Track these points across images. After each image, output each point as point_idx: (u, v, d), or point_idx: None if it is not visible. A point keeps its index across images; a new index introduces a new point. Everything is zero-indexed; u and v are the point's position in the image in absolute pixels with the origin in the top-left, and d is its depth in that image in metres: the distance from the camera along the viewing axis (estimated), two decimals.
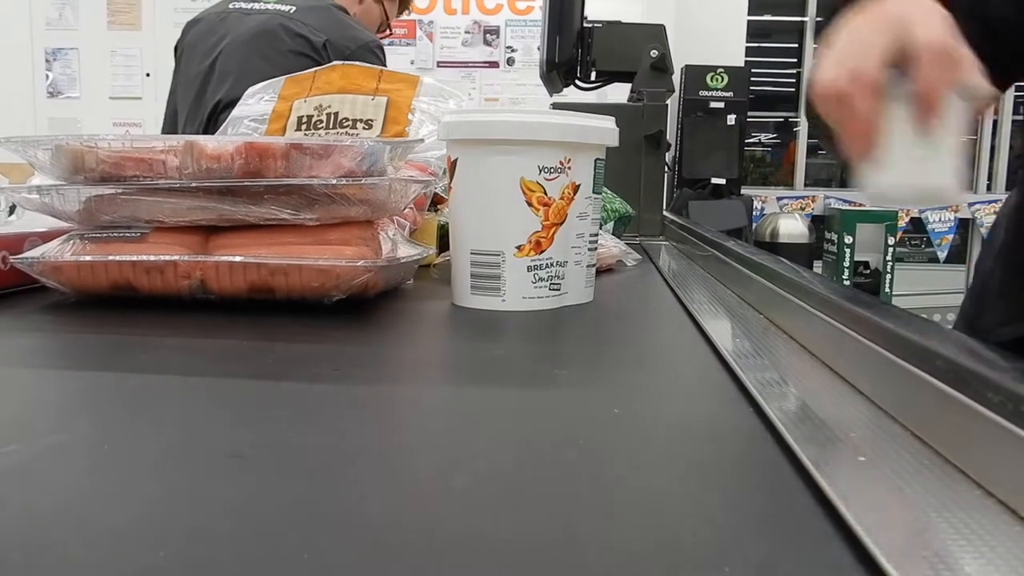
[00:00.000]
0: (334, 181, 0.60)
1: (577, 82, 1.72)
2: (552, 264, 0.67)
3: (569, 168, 0.66)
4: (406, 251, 0.70)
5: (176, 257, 0.61)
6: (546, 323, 0.62)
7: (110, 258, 0.62)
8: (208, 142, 0.62)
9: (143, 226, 0.64)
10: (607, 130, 0.70)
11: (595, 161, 0.70)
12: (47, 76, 4.13)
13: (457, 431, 0.36)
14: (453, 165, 0.67)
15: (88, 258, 0.63)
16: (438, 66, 4.20)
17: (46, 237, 0.69)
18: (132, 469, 0.30)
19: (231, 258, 0.61)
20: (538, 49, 1.75)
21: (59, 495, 0.28)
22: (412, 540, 0.25)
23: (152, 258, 0.61)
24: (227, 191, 0.62)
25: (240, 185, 0.61)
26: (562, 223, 0.67)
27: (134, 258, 0.62)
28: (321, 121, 0.96)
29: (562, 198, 0.66)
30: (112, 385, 0.43)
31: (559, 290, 0.68)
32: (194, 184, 0.61)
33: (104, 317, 0.61)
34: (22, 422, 0.36)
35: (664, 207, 1.61)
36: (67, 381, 0.44)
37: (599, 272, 0.84)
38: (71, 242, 0.65)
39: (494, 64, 4.22)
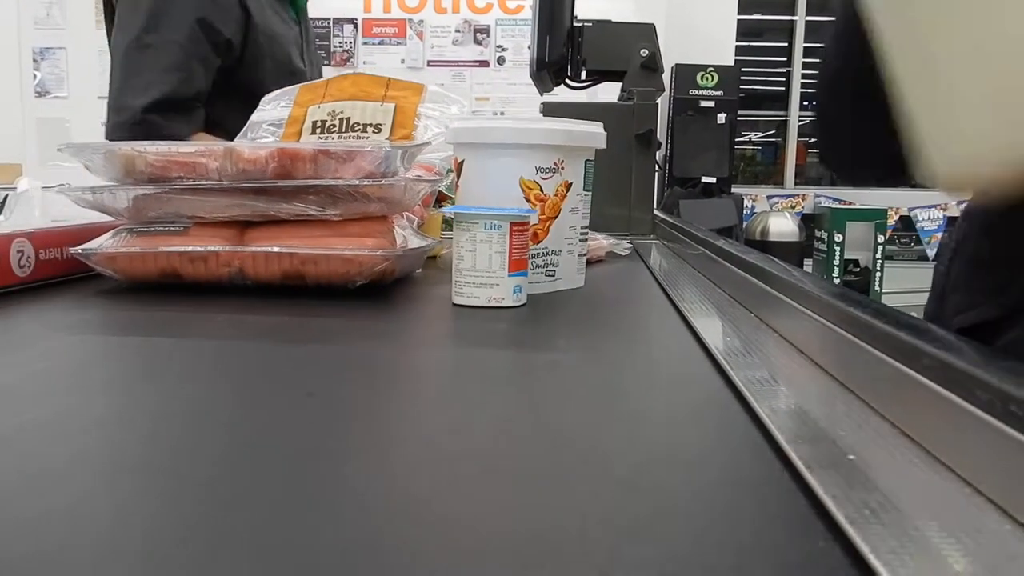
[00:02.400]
0: (356, 181, 0.69)
1: (567, 81, 1.72)
2: (548, 253, 0.76)
3: (562, 168, 0.75)
4: (417, 242, 0.79)
5: (218, 248, 0.70)
6: (542, 304, 0.71)
7: (160, 249, 0.70)
8: (245, 148, 0.70)
9: (185, 221, 0.73)
10: (596, 134, 0.79)
11: (585, 162, 0.79)
12: (35, 76, 4.10)
13: (467, 382, 0.45)
14: (460, 166, 0.76)
15: (138, 249, 0.71)
16: (428, 65, 4.20)
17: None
18: (207, 413, 0.39)
19: (268, 248, 0.69)
20: (528, 48, 1.74)
21: (154, 435, 0.36)
22: (424, 469, 0.33)
23: (198, 248, 0.70)
24: (261, 190, 0.70)
25: (273, 185, 0.69)
26: (556, 217, 0.76)
27: (181, 248, 0.70)
28: (334, 125, 1.04)
29: (556, 195, 0.75)
30: (175, 348, 0.51)
31: (554, 276, 0.77)
32: (232, 185, 0.70)
33: (157, 299, 0.69)
34: (112, 381, 0.45)
35: (655, 206, 1.62)
36: (133, 346, 0.52)
37: (590, 263, 0.92)
38: (121, 235, 0.73)
39: (484, 63, 4.24)
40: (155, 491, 0.28)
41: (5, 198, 1.12)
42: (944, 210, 4.91)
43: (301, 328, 0.59)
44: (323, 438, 0.34)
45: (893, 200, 4.86)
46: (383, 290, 0.73)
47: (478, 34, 4.25)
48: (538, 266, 0.76)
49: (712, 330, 0.58)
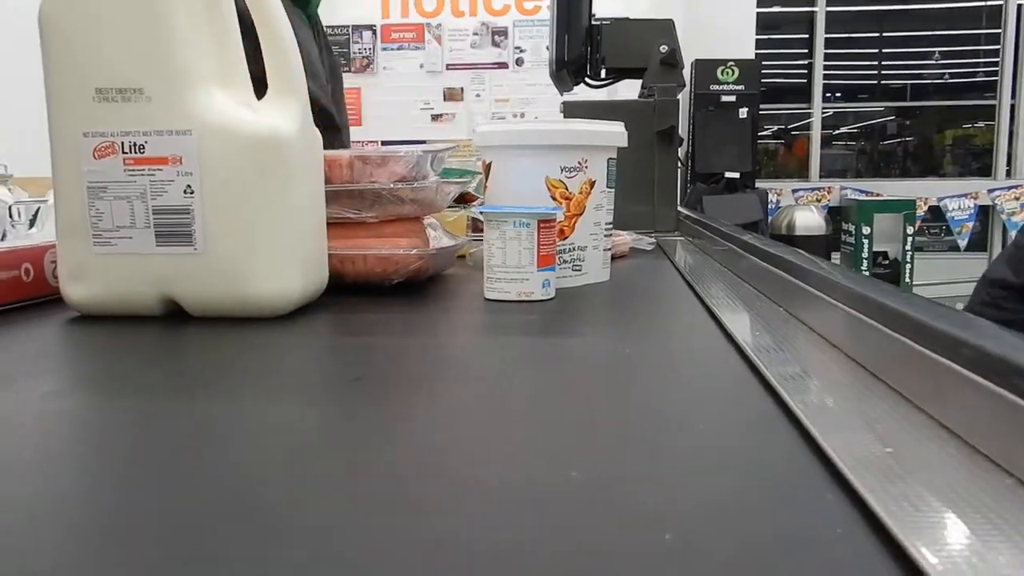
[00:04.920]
0: (391, 185, 0.72)
1: (587, 80, 1.74)
2: (574, 248, 0.79)
3: (586, 167, 0.78)
4: (447, 242, 0.82)
5: None
6: (570, 297, 0.74)
7: None
8: None
9: None
10: (617, 133, 0.82)
11: (608, 160, 0.82)
12: None
13: (500, 362, 0.48)
14: (488, 167, 0.80)
15: None
16: (447, 68, 4.24)
17: None
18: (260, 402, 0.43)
19: None
20: (547, 48, 1.74)
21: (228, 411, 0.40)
22: (468, 436, 0.37)
23: None
24: None
25: None
26: (581, 214, 0.79)
27: None
28: None
29: (581, 192, 0.79)
30: (238, 340, 0.55)
31: (580, 270, 0.80)
32: None
33: None
34: (172, 374, 0.48)
35: (678, 203, 1.62)
36: (187, 340, 0.56)
37: (614, 259, 0.95)
38: None
39: (503, 65, 4.26)
40: (235, 469, 0.32)
41: (37, 210, 1.17)
42: (975, 199, 4.85)
43: (343, 322, 0.63)
44: (371, 416, 0.38)
45: (921, 190, 4.81)
46: (418, 287, 0.76)
47: (496, 36, 4.27)
48: (565, 261, 0.79)
49: (739, 323, 0.59)
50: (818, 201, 4.92)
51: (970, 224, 4.85)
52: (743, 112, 4.19)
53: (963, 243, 4.85)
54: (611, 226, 0.85)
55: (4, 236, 1.11)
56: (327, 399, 0.41)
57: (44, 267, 0.71)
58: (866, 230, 4.35)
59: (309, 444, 0.34)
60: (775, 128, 5.52)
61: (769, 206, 4.45)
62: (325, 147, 0.69)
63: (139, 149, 0.60)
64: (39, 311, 0.67)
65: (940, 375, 0.35)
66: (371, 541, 0.25)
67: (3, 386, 0.45)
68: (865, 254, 4.35)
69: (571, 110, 1.61)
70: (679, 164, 1.62)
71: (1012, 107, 5.05)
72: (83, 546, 0.25)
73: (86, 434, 0.36)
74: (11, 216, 1.15)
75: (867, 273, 4.15)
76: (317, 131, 0.68)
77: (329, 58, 1.67)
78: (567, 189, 0.77)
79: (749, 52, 4.69)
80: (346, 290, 0.74)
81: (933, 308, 0.40)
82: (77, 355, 0.53)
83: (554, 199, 0.77)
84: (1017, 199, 4.85)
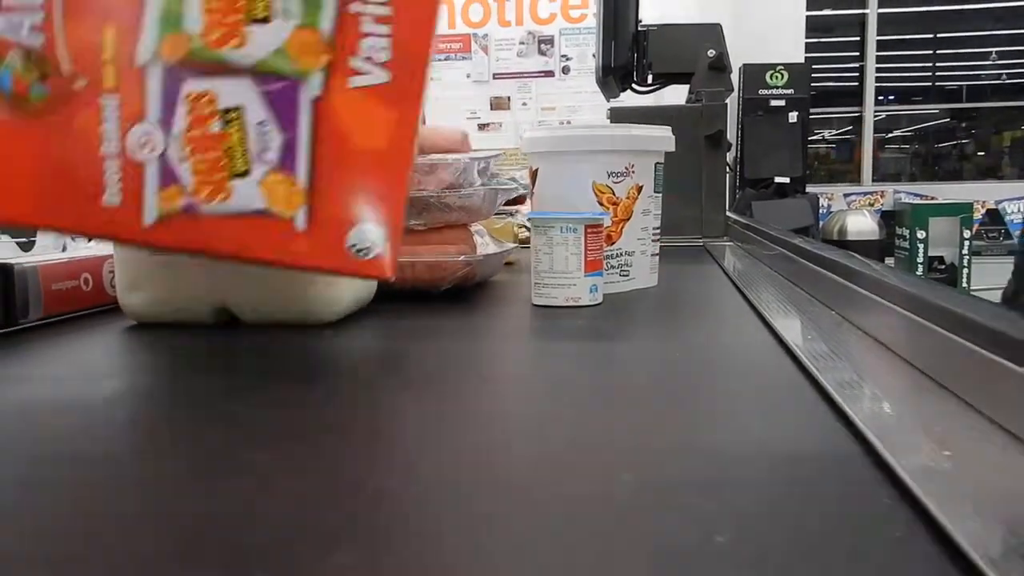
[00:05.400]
0: (439, 192, 0.73)
1: (634, 86, 1.74)
2: (621, 254, 0.79)
3: (633, 172, 0.78)
4: (495, 248, 0.83)
5: None
6: (618, 302, 0.73)
7: None
8: None
9: None
10: (665, 138, 0.81)
11: (655, 165, 0.81)
12: None
13: (549, 367, 0.48)
14: (535, 174, 0.80)
15: None
16: (494, 78, 4.26)
17: None
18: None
19: None
20: (593, 56, 1.73)
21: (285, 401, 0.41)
22: (517, 440, 0.37)
23: None
24: None
25: None
26: (629, 219, 0.79)
27: None
28: None
29: (628, 197, 0.78)
30: (290, 348, 0.56)
31: (628, 276, 0.80)
32: None
33: None
34: (237, 372, 0.49)
35: (727, 208, 1.60)
36: (242, 346, 0.57)
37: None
38: None
39: (549, 73, 4.27)
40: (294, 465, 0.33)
41: None
42: None
43: (392, 329, 0.64)
44: (422, 422, 0.38)
45: (979, 193, 4.69)
46: (465, 294, 0.77)
47: (542, 45, 4.29)
48: (612, 266, 0.78)
49: (791, 328, 0.58)
50: (871, 205, 4.82)
51: None
52: (793, 116, 4.13)
53: None
54: (659, 231, 0.85)
55: (65, 248, 1.16)
56: (378, 404, 0.42)
57: (103, 277, 0.73)
58: (921, 234, 4.25)
59: (361, 448, 0.35)
60: (826, 132, 5.43)
61: (820, 211, 4.37)
62: None
63: None
64: (98, 320, 0.69)
65: (1000, 377, 0.34)
66: (423, 547, 0.25)
67: (64, 392, 0.46)
68: (920, 259, 4.25)
69: (618, 116, 1.61)
70: (728, 169, 1.60)
71: None
72: (143, 552, 0.25)
73: (145, 439, 0.37)
74: None
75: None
76: None
77: None
78: (614, 194, 0.77)
79: (799, 56, 4.62)
80: (395, 297, 0.75)
81: (991, 309, 0.40)
82: (135, 362, 0.55)
83: (601, 204, 0.77)
84: None
